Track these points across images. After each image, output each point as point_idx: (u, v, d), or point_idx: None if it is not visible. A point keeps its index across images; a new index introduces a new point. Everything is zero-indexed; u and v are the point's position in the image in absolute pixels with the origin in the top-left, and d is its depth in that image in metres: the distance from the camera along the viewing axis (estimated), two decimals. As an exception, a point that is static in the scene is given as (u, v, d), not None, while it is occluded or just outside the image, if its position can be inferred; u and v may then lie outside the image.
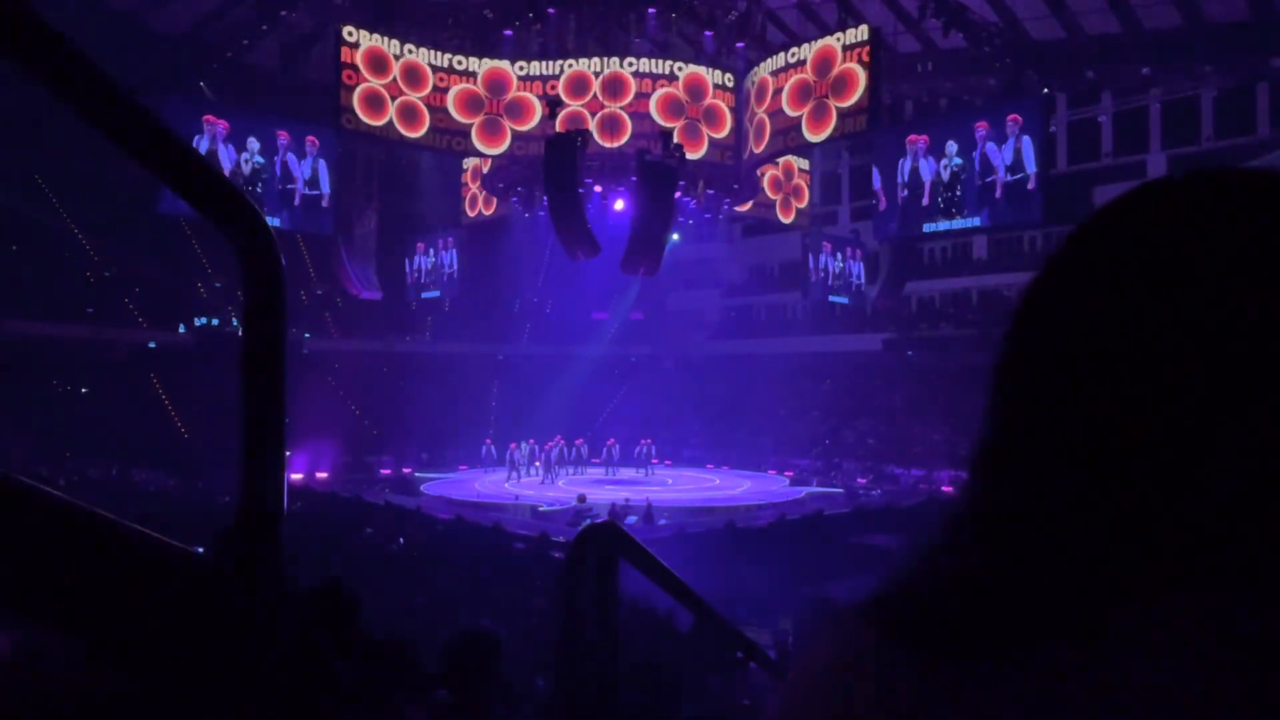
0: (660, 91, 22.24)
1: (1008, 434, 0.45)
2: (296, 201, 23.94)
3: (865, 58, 19.70)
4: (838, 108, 20.15)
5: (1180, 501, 0.38)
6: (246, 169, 22.76)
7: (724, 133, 23.01)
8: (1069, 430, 0.41)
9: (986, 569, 0.44)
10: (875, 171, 24.03)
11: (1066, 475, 0.41)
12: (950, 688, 0.42)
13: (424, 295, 30.50)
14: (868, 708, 0.43)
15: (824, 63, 20.40)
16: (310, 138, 23.86)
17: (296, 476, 24.09)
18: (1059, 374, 0.42)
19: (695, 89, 22.60)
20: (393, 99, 21.54)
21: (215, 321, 29.72)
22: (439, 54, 22.47)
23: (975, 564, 0.44)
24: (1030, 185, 20.35)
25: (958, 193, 21.72)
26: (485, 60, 22.84)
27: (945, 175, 21.94)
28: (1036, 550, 0.42)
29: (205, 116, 22.29)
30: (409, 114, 21.85)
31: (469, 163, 27.01)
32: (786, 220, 27.95)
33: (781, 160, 25.37)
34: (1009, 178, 20.67)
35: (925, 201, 22.39)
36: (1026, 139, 20.48)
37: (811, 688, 0.47)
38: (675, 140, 20.39)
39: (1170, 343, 0.37)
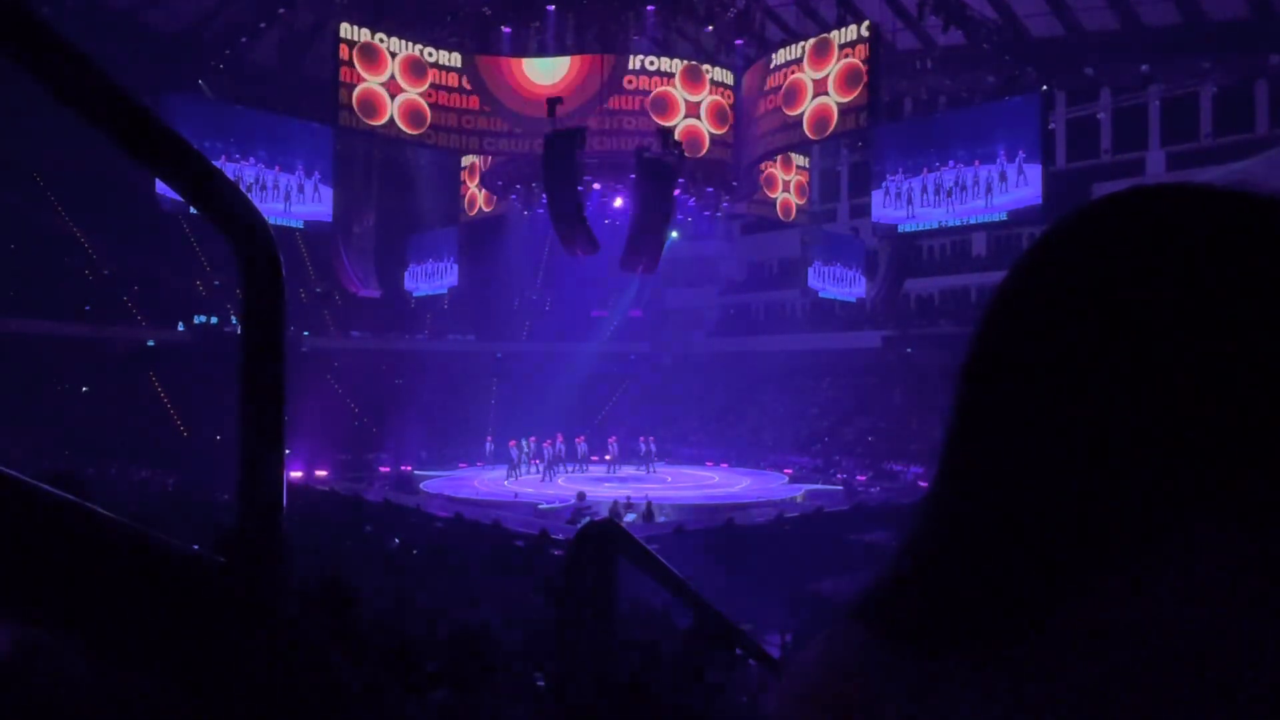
0: (659, 88, 22.23)
1: (968, 429, 0.46)
2: (295, 200, 23.91)
3: (864, 55, 19.69)
4: (837, 104, 20.15)
5: (1127, 492, 0.39)
6: (245, 168, 22.72)
7: (723, 130, 23.00)
8: (1024, 429, 0.42)
9: (951, 562, 0.44)
10: (874, 170, 24.03)
11: (1020, 470, 0.42)
12: (928, 685, 0.42)
13: (423, 293, 30.49)
14: (854, 706, 0.44)
15: (823, 60, 20.39)
16: (308, 137, 23.81)
17: (296, 475, 24.07)
18: (1014, 375, 0.43)
19: (694, 86, 22.58)
20: (392, 97, 21.53)
21: (214, 320, 29.70)
22: (438, 51, 22.43)
23: (942, 557, 0.45)
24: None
25: (960, 202, 21.74)
26: (485, 57, 22.82)
27: (946, 185, 21.95)
28: (995, 543, 0.42)
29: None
30: (409, 112, 21.84)
31: (468, 160, 26.99)
32: (785, 218, 27.96)
33: (780, 157, 25.36)
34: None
35: (925, 204, 22.38)
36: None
37: (803, 688, 0.48)
38: (674, 137, 20.38)
39: (1117, 356, 0.39)
